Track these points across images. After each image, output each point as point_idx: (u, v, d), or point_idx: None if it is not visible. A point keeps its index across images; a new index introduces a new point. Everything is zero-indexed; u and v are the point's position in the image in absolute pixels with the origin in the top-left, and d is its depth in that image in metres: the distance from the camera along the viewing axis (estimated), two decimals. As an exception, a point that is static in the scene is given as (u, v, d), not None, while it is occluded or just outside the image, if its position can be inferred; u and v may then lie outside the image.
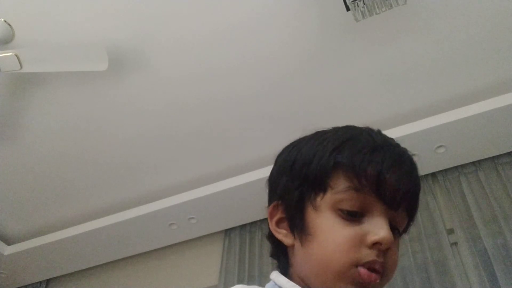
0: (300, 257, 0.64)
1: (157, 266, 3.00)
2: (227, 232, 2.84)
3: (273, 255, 0.73)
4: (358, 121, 2.42)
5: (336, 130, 0.69)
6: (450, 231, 2.26)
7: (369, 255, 0.58)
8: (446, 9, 1.93)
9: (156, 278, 2.94)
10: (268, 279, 0.68)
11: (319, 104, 2.30)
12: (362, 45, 2.07)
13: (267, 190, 0.74)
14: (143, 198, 2.79)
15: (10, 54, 1.83)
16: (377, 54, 2.10)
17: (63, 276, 3.25)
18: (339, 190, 0.61)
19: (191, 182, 2.68)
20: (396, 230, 0.63)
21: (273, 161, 2.53)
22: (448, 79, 2.18)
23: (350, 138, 0.64)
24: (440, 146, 2.30)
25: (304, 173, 0.64)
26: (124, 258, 3.10)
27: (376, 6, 1.78)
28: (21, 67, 1.86)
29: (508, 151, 2.35)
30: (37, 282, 3.27)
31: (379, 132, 0.68)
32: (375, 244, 0.58)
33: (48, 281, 3.28)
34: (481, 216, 2.20)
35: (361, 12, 1.80)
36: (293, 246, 0.66)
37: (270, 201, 0.72)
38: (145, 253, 3.06)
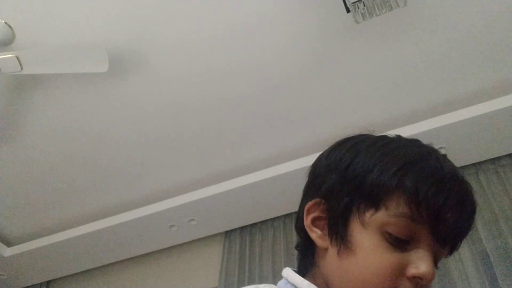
0: (332, 265, 0.61)
1: (158, 267, 3.00)
2: (228, 233, 2.84)
3: (299, 248, 0.69)
4: (359, 123, 2.44)
5: (402, 144, 0.63)
6: (451, 233, 2.26)
7: (405, 286, 0.56)
8: (446, 10, 1.93)
9: (156, 279, 2.94)
10: (268, 281, 0.67)
11: (319, 105, 2.30)
12: (363, 46, 2.07)
13: (306, 180, 0.69)
14: (144, 200, 2.79)
15: (11, 55, 1.83)
16: (377, 56, 2.10)
17: (64, 277, 3.25)
18: (394, 213, 0.57)
19: (192, 184, 2.68)
20: (435, 263, 0.60)
21: (272, 162, 2.54)
22: (449, 81, 2.18)
23: (418, 160, 0.59)
24: (441, 148, 2.29)
25: (359, 181, 0.60)
26: (124, 259, 3.10)
27: (376, 8, 1.78)
28: (22, 68, 1.86)
29: (509, 152, 2.34)
30: (38, 284, 3.26)
31: (445, 157, 0.63)
32: (415, 278, 0.56)
33: (48, 282, 3.28)
34: (481, 217, 2.20)
35: (361, 14, 1.80)
36: (325, 249, 0.62)
37: (310, 194, 0.67)
38: (145, 254, 3.05)
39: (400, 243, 0.57)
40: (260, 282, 2.47)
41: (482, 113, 2.17)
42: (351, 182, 0.61)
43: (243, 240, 2.76)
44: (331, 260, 0.61)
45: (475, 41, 2.03)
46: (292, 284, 0.62)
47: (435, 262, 0.60)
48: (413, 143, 0.64)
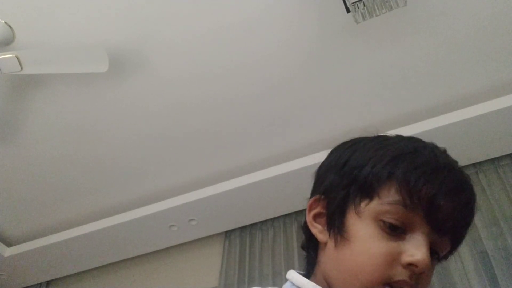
0: (330, 258, 0.62)
1: (157, 267, 2.99)
2: (227, 233, 2.84)
3: (304, 247, 0.70)
4: (358, 123, 2.43)
5: (398, 139, 0.66)
6: (451, 233, 2.26)
7: (401, 274, 0.56)
8: (446, 10, 1.93)
9: (156, 279, 2.94)
10: (268, 280, 0.67)
11: (319, 105, 2.30)
12: (362, 47, 2.07)
13: (312, 181, 0.71)
14: (144, 200, 2.79)
15: (11, 55, 1.83)
16: (377, 56, 2.10)
17: (64, 277, 3.25)
18: (387, 201, 0.58)
19: (192, 184, 2.68)
20: (436, 255, 0.60)
21: (272, 162, 2.56)
22: (448, 81, 2.18)
23: (412, 152, 0.61)
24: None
25: (354, 175, 0.62)
26: (124, 259, 3.09)
27: (376, 8, 1.78)
28: (22, 68, 1.86)
29: (509, 152, 2.34)
30: (37, 284, 3.26)
31: (444, 151, 0.65)
32: (410, 265, 0.56)
33: (48, 282, 3.28)
34: (481, 218, 2.20)
35: (361, 14, 1.80)
36: (325, 244, 0.64)
37: (313, 193, 0.69)
38: (145, 254, 3.05)
39: (395, 231, 0.58)
40: (260, 282, 2.48)
41: (482, 113, 2.17)
42: (347, 176, 0.63)
43: (243, 240, 2.76)
44: (329, 254, 0.63)
45: (475, 41, 2.03)
46: (297, 287, 0.62)
47: (436, 252, 0.60)
48: (409, 139, 0.66)
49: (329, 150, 0.72)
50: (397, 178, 0.59)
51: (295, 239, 2.59)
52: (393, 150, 0.62)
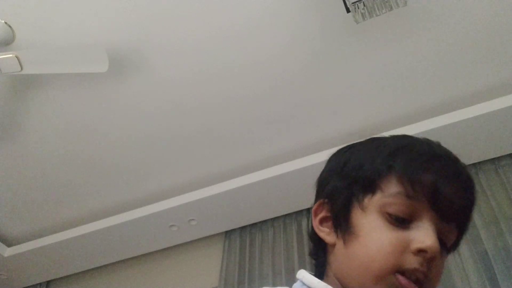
0: (340, 257, 0.63)
1: (157, 267, 2.99)
2: (227, 233, 2.84)
3: (312, 254, 0.71)
4: (358, 123, 2.43)
5: (393, 137, 0.68)
6: (451, 233, 2.25)
7: (412, 262, 0.57)
8: (446, 10, 1.93)
9: (156, 279, 2.94)
10: (268, 281, 0.67)
11: (318, 105, 2.30)
12: (362, 47, 2.07)
13: (315, 190, 0.72)
14: (144, 200, 2.79)
15: (11, 55, 1.83)
16: (377, 55, 2.10)
17: (63, 277, 3.24)
18: (390, 193, 0.60)
19: (192, 184, 2.68)
20: (444, 246, 0.61)
21: (272, 162, 2.57)
22: (449, 81, 2.18)
23: (408, 145, 0.64)
24: (441, 148, 2.29)
25: (355, 174, 0.64)
26: (124, 259, 3.09)
27: (376, 8, 1.78)
28: (22, 68, 1.86)
29: (509, 152, 2.34)
30: (37, 284, 3.26)
31: (438, 143, 0.67)
32: (420, 252, 0.57)
33: (48, 282, 3.27)
34: (481, 218, 2.20)
35: (361, 14, 1.80)
36: (334, 245, 0.65)
37: (317, 199, 0.70)
38: (145, 254, 3.05)
39: (401, 222, 0.59)
40: (261, 282, 2.47)
41: (482, 113, 2.17)
42: (348, 177, 0.65)
43: (243, 240, 2.76)
44: (339, 253, 0.63)
45: (475, 41, 2.03)
46: (308, 286, 0.63)
47: (444, 243, 0.61)
48: (404, 136, 0.68)
49: (329, 150, 0.73)
50: (397, 170, 0.60)
51: (295, 239, 2.59)
52: (390, 146, 0.64)
